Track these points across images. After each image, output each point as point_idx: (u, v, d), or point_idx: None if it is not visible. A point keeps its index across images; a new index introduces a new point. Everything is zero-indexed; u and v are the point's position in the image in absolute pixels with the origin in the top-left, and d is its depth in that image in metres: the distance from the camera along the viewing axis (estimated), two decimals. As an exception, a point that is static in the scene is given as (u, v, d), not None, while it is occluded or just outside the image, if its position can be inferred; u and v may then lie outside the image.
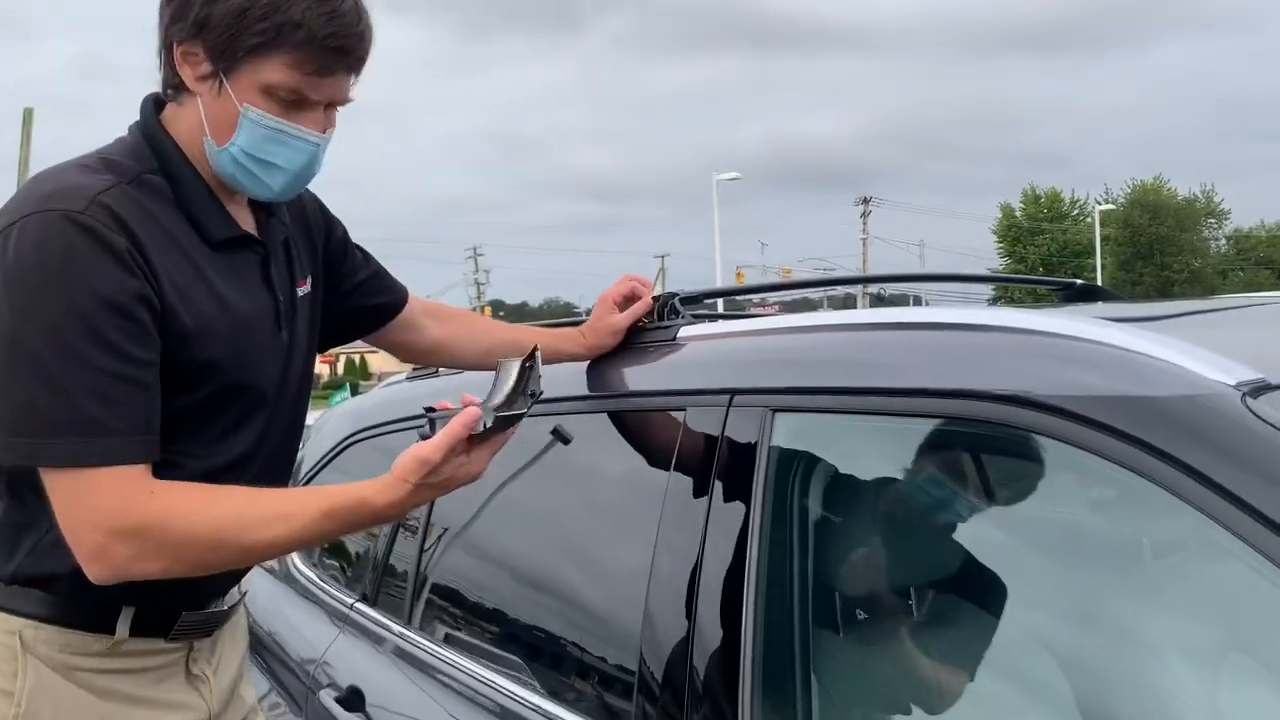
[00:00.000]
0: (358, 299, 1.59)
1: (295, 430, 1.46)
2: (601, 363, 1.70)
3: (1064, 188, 53.62)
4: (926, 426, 1.22)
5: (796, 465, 1.32)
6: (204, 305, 1.25)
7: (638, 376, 1.66)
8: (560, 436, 1.61)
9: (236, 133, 1.23)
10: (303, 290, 1.43)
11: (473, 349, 1.72)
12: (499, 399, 1.22)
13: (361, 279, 1.60)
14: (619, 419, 1.65)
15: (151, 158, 1.26)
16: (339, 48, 1.22)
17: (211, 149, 1.25)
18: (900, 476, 1.32)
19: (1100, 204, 47.47)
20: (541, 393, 1.25)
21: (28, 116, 12.39)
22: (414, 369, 2.31)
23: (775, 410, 1.33)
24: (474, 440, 1.21)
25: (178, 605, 1.33)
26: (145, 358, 1.18)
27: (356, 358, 71.98)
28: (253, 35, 1.18)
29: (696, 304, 1.80)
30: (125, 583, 1.19)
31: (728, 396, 1.41)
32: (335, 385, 49.34)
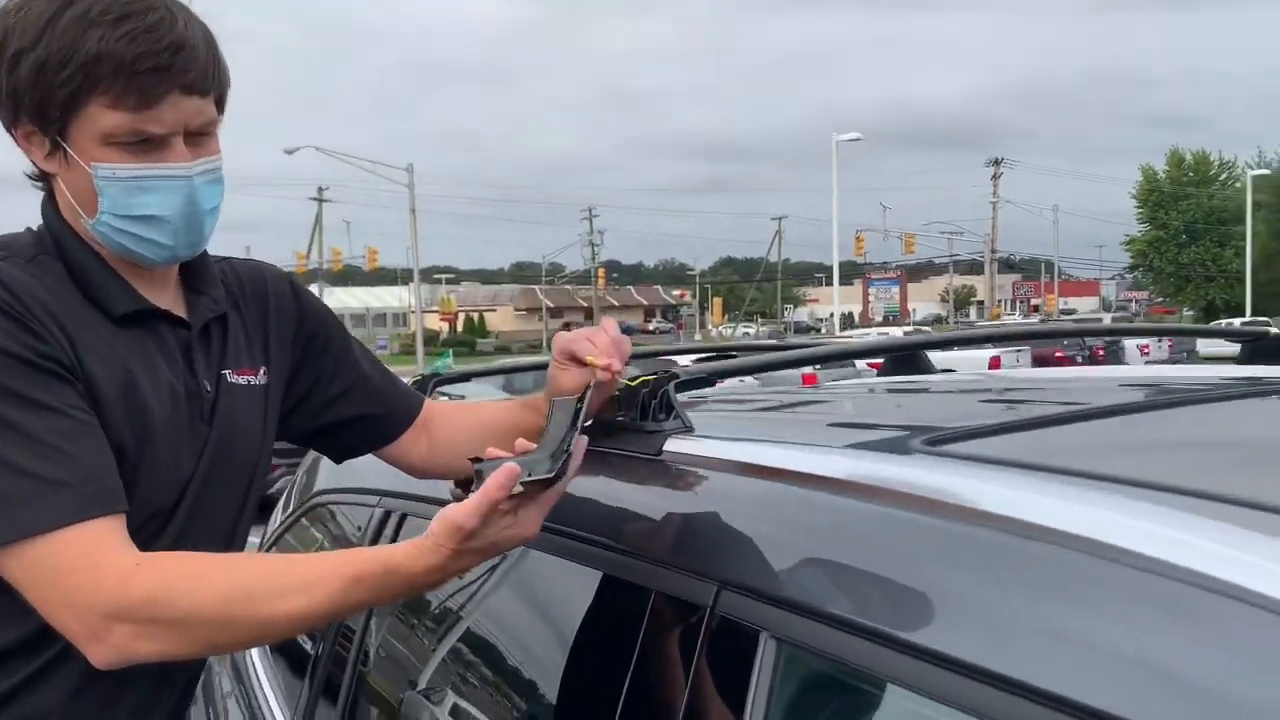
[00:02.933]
0: (346, 406, 1.38)
1: (226, 539, 1.26)
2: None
3: (1209, 150, 50.21)
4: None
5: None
6: (108, 383, 1.14)
7: (599, 518, 1.13)
8: None
9: (100, 198, 1.15)
10: (246, 379, 1.28)
11: (452, 451, 1.39)
12: (549, 449, 1.06)
13: (351, 383, 1.39)
14: (573, 574, 1.13)
15: (50, 243, 1.20)
16: (155, 68, 1.09)
17: (90, 226, 1.17)
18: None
19: (1252, 169, 44.34)
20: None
21: None
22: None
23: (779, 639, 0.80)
24: (520, 497, 1.03)
25: None
26: (76, 404, 1.10)
27: (476, 315, 73.37)
28: (61, 87, 1.09)
29: (702, 386, 1.26)
30: None
31: (714, 586, 0.89)
32: (454, 344, 50.44)
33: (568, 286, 77.22)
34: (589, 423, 1.10)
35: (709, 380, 1.25)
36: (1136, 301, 71.21)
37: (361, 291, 75.27)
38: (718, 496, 1.03)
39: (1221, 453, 1.06)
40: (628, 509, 1.10)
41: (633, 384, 1.20)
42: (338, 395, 1.36)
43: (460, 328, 69.02)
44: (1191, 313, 48.75)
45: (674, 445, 1.13)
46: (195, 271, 1.26)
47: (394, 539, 1.63)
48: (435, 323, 62.62)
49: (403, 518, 1.64)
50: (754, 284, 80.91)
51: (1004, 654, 0.68)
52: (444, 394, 2.30)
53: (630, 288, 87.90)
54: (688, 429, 1.16)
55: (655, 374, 1.21)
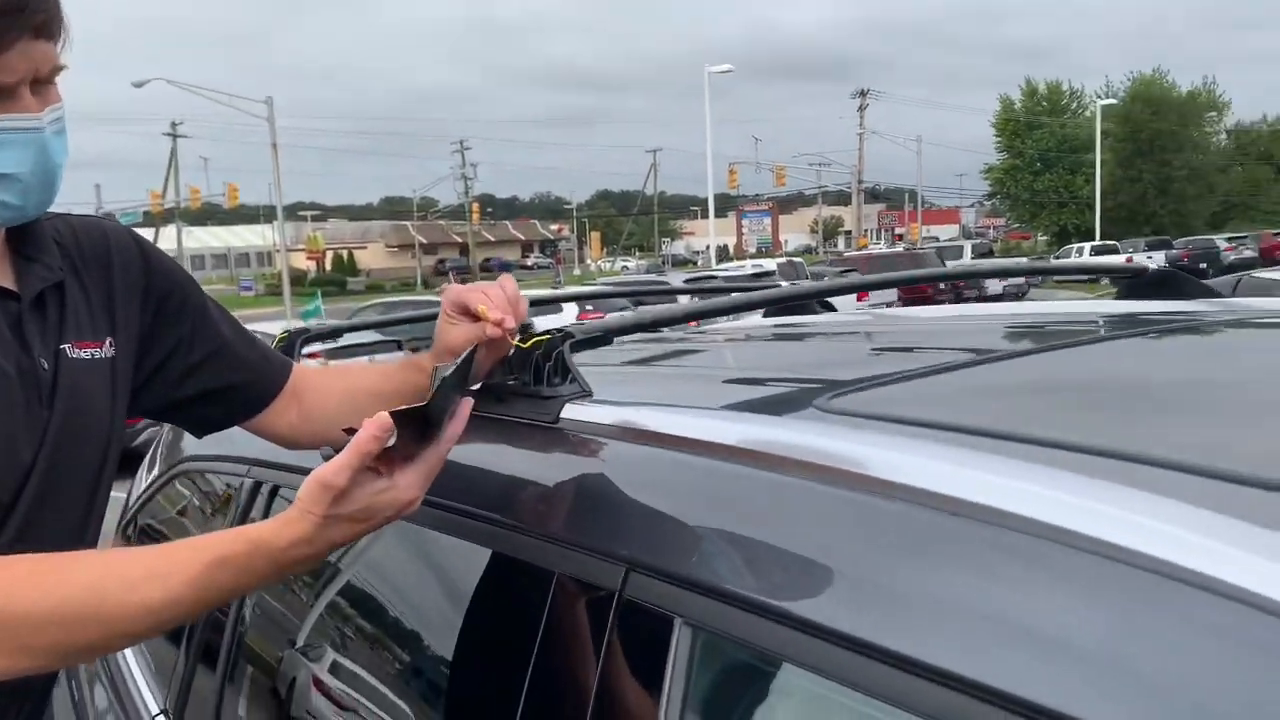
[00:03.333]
0: (206, 376, 1.24)
1: (77, 533, 1.13)
2: (460, 449, 1.07)
3: (1060, 80, 51.95)
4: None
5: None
6: None
7: (491, 491, 1.05)
8: None
9: None
10: (89, 352, 1.13)
11: (325, 420, 1.29)
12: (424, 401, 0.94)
13: (210, 350, 1.25)
14: (462, 552, 1.05)
15: None
16: (4, 10, 0.99)
17: None
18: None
19: (1100, 98, 46.21)
20: (449, 373, 0.95)
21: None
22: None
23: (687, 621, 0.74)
24: (395, 457, 0.93)
25: None
26: None
27: (345, 254, 71.07)
28: None
29: (600, 345, 1.18)
30: None
31: (622, 569, 0.83)
32: (323, 283, 48.80)
33: (441, 222, 75.60)
34: (477, 385, 1.01)
35: (606, 339, 1.17)
36: (994, 228, 73.90)
37: (223, 230, 72.07)
38: (620, 467, 0.96)
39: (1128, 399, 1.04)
40: (523, 481, 1.02)
41: (524, 345, 1.12)
42: (196, 365, 1.23)
43: (329, 266, 66.89)
44: (1045, 238, 50.86)
45: (572, 411, 1.06)
46: (24, 235, 1.11)
47: (266, 513, 1.52)
48: (302, 262, 60.70)
49: (274, 490, 1.53)
50: (631, 217, 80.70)
51: (908, 634, 0.64)
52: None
53: (506, 222, 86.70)
54: (585, 393, 1.08)
55: (548, 333, 1.13)
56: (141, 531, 2.11)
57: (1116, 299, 1.88)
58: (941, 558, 0.68)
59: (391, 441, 0.92)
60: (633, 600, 0.82)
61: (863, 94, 53.03)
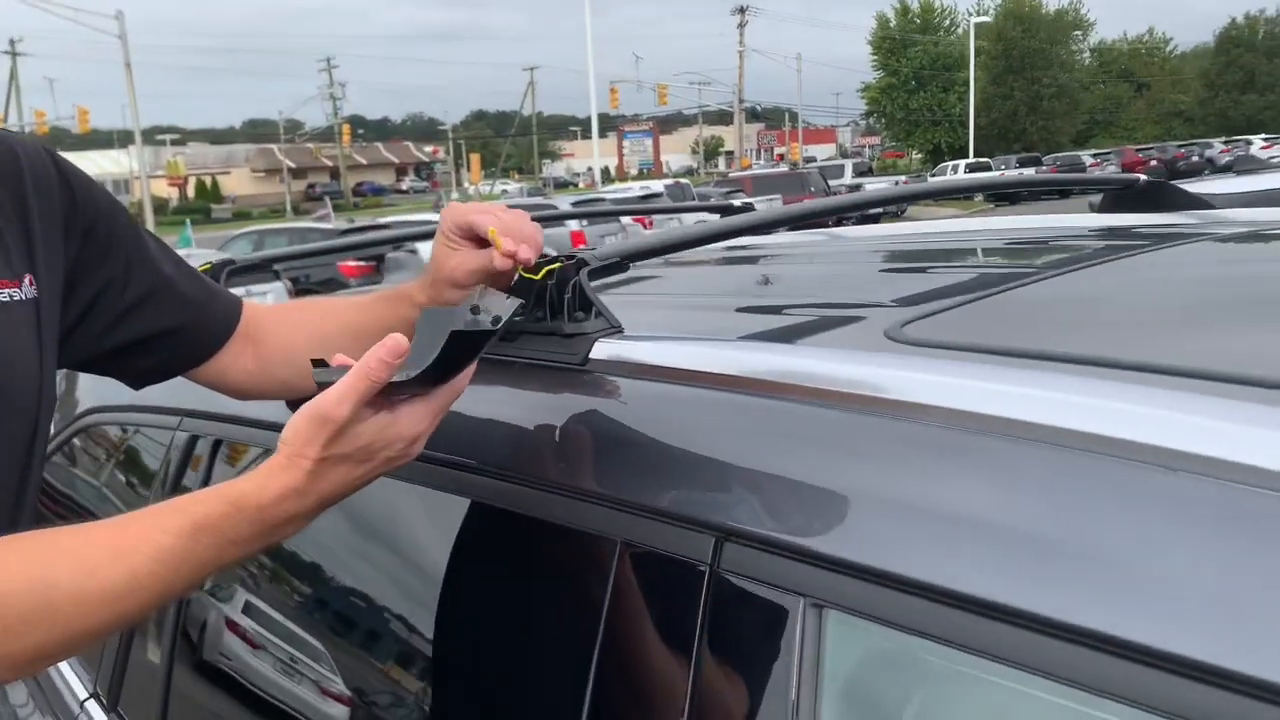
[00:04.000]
0: (145, 318, 1.03)
1: (9, 509, 0.93)
2: (471, 401, 0.91)
3: (935, -1, 52.54)
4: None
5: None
6: None
7: (521, 448, 0.90)
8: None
9: None
10: (5, 294, 0.92)
11: (287, 364, 1.09)
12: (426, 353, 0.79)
13: (149, 288, 1.03)
14: (491, 515, 0.90)
15: None
16: None
17: None
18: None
19: (972, 16, 47.00)
20: (507, 317, 0.81)
21: None
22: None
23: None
24: (397, 393, 0.80)
25: None
26: None
27: (208, 179, 67.64)
28: None
29: (617, 272, 1.03)
30: None
31: (710, 538, 0.70)
32: (186, 211, 46.38)
33: (309, 145, 72.57)
34: (498, 325, 0.85)
35: (622, 265, 1.02)
36: (870, 147, 75.04)
37: (75, 157, 67.54)
38: (675, 415, 0.82)
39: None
40: (556, 433, 0.87)
41: (534, 275, 0.96)
42: (133, 305, 1.02)
43: (191, 193, 63.70)
44: (920, 155, 51.89)
45: (603, 350, 0.91)
46: None
47: (208, 475, 1.33)
48: (163, 189, 57.74)
49: (216, 445, 1.34)
50: (509, 139, 78.95)
51: (1118, 611, 0.53)
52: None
53: (378, 145, 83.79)
54: (615, 328, 0.93)
55: (557, 259, 0.97)
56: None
57: (1098, 211, 1.81)
58: (1142, 513, 0.57)
59: (405, 377, 0.77)
60: (731, 575, 0.69)
61: (742, 11, 52.63)
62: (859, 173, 40.22)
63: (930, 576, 0.60)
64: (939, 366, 0.75)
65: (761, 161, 68.72)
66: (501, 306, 0.83)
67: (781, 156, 68.32)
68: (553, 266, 0.96)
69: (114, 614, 0.78)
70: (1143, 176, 1.70)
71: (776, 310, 1.09)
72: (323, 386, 0.79)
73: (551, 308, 0.95)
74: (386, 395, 0.79)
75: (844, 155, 67.12)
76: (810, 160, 56.86)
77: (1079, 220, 1.71)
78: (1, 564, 0.76)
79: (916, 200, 1.65)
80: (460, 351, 0.79)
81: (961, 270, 1.27)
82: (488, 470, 0.90)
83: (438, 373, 0.80)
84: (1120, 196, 1.76)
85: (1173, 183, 1.73)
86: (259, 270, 1.65)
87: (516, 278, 0.98)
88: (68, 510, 1.83)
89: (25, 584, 0.75)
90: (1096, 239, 1.44)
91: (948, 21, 51.01)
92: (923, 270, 1.34)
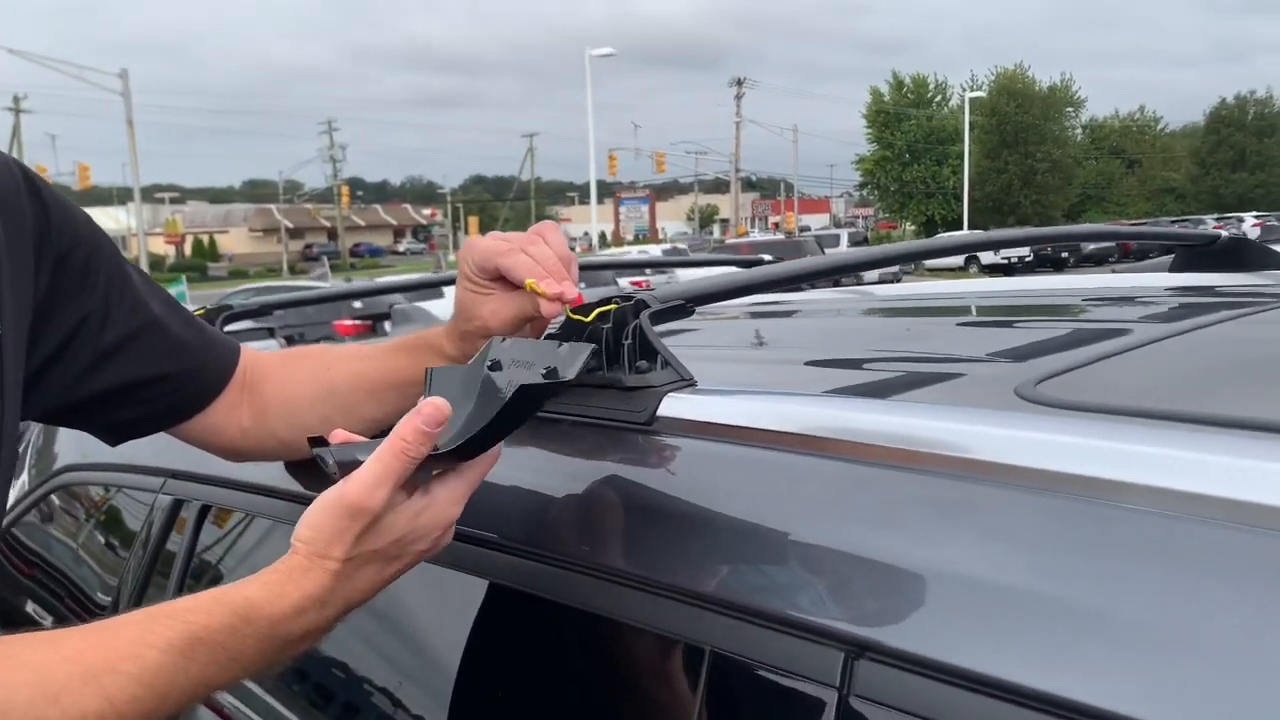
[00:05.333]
0: (127, 363, 0.88)
1: None
2: (509, 469, 0.75)
3: (926, 74, 53.41)
4: None
5: None
6: None
7: (581, 531, 0.74)
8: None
9: None
10: None
11: (289, 420, 0.95)
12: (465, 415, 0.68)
13: (133, 328, 0.88)
14: (554, 617, 0.74)
15: None
16: None
17: None
18: None
19: (966, 91, 47.76)
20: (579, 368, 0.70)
21: None
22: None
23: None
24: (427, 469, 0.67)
25: None
26: None
27: (206, 238, 67.80)
28: None
29: (680, 316, 0.88)
30: None
31: (840, 653, 0.54)
32: (183, 269, 46.43)
33: (308, 205, 72.98)
34: (568, 376, 0.71)
35: (686, 309, 0.87)
36: (863, 218, 75.75)
37: (72, 213, 67.87)
38: (781, 489, 0.67)
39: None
40: (626, 509, 0.71)
41: (584, 318, 0.81)
42: (115, 346, 0.87)
43: (189, 251, 63.80)
44: (913, 227, 52.29)
45: (671, 406, 0.75)
46: None
47: (194, 542, 1.16)
48: (160, 246, 57.94)
49: (203, 511, 1.17)
50: (507, 202, 79.56)
51: None
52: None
53: (377, 207, 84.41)
54: (687, 381, 0.78)
55: (613, 301, 0.82)
56: (1, 582, 1.69)
57: (1172, 270, 1.68)
58: None
59: (440, 449, 0.65)
60: (866, 703, 0.53)
61: (739, 83, 53.40)
62: (854, 241, 40.48)
63: (1127, 709, 0.44)
64: (1119, 434, 0.60)
65: (756, 230, 69.24)
66: (543, 355, 0.71)
67: (777, 225, 68.88)
68: (606, 308, 0.81)
69: None
70: (1223, 233, 1.57)
71: (858, 365, 0.94)
72: (340, 466, 0.65)
73: (608, 356, 0.80)
74: (416, 472, 0.66)
75: (838, 225, 67.61)
76: (805, 229, 57.32)
77: (1166, 279, 1.58)
78: None
79: (978, 249, 1.58)
80: (517, 412, 0.65)
81: (1060, 325, 1.12)
82: (543, 555, 0.74)
83: (483, 441, 0.66)
84: (1198, 255, 1.63)
85: (1252, 239, 1.60)
86: (258, 315, 1.50)
87: (563, 320, 0.83)
88: (42, 574, 1.66)
89: None
90: (1199, 297, 1.30)
91: (941, 96, 51.80)
92: (1009, 325, 1.20)
